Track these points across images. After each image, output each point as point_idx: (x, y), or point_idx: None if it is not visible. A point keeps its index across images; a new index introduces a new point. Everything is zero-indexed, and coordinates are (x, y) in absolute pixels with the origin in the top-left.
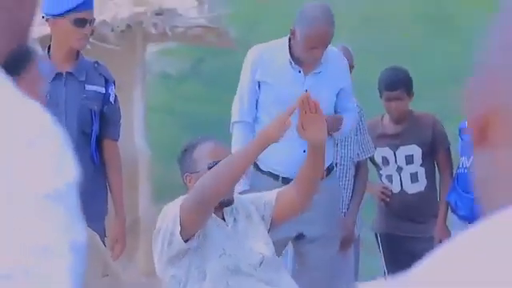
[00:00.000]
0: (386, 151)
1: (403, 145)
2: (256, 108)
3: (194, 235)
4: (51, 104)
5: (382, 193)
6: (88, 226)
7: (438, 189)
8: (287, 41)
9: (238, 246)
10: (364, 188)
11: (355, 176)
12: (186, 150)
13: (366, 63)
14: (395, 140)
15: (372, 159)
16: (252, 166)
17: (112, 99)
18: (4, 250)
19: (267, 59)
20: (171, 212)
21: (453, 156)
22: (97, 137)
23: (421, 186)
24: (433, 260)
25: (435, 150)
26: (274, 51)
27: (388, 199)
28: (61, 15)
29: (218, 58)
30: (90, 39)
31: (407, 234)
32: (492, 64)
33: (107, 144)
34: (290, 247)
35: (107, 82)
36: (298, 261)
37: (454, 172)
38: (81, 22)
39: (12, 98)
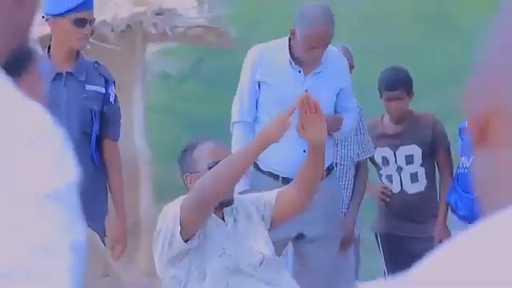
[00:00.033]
0: (386, 151)
1: (403, 145)
2: (256, 108)
3: (194, 235)
4: (51, 104)
5: (382, 193)
6: (88, 226)
7: (438, 189)
8: (287, 41)
9: (238, 246)
10: (364, 188)
11: (355, 176)
12: (185, 150)
13: (365, 63)
14: (395, 140)
15: (372, 159)
16: (252, 166)
17: (112, 99)
18: (4, 250)
19: (267, 59)
20: (171, 212)
21: (453, 156)
22: (97, 137)
23: (421, 186)
24: (432, 260)
25: (435, 150)
26: (274, 51)
27: (388, 199)
28: (61, 15)
29: (218, 58)
30: (90, 39)
31: (407, 234)
32: (492, 64)
33: (107, 144)
34: (290, 247)
35: (107, 82)
36: (298, 261)
37: (454, 172)
38: (81, 22)
39: (12, 98)
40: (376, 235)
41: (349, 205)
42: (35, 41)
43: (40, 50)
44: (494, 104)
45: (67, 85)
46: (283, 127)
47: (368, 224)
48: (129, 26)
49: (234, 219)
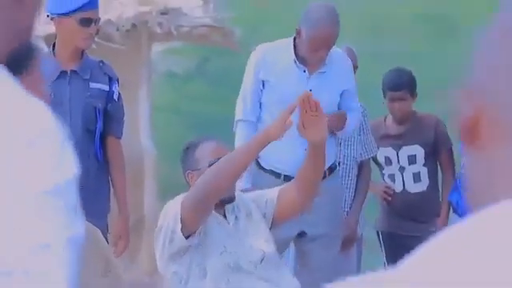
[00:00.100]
0: (389, 151)
1: (406, 145)
2: (259, 107)
3: (194, 232)
4: (56, 102)
5: (385, 192)
6: (91, 222)
7: (440, 189)
8: (292, 40)
9: (239, 244)
10: (367, 187)
11: (358, 175)
12: (188, 149)
13: (369, 64)
14: (398, 140)
15: (375, 159)
16: (254, 165)
17: (116, 97)
18: (4, 247)
19: (272, 59)
20: (172, 209)
21: (455, 156)
22: (100, 134)
23: (423, 185)
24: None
25: (438, 151)
26: (278, 51)
27: (390, 198)
28: (66, 14)
29: (224, 57)
30: (96, 38)
31: (409, 233)
32: (479, 65)
33: (111, 141)
34: (291, 247)
35: (111, 80)
36: (299, 260)
37: (456, 172)
38: (86, 22)
39: (14, 96)
40: (378, 234)
41: (351, 204)
42: (40, 39)
43: (45, 49)
44: (483, 105)
45: (71, 83)
46: (284, 125)
47: (370, 223)
48: (134, 26)
49: (236, 217)
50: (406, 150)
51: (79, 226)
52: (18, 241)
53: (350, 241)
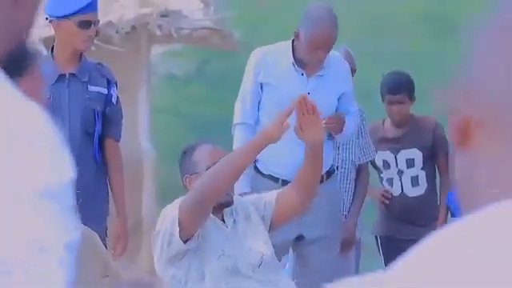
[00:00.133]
0: (387, 155)
1: (404, 148)
2: (258, 110)
3: (193, 236)
4: (54, 105)
5: (383, 196)
6: (90, 226)
7: (438, 192)
8: (290, 43)
9: (237, 247)
10: (365, 191)
11: (356, 179)
12: (185, 153)
13: (367, 66)
14: (396, 144)
15: (373, 163)
16: (252, 169)
17: (114, 100)
18: (2, 247)
19: (270, 61)
20: (170, 213)
21: None
22: (99, 137)
23: (421, 189)
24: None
25: (436, 154)
26: (277, 53)
27: (388, 202)
28: (65, 17)
29: (224, 59)
30: (95, 41)
31: (407, 237)
32: (469, 66)
33: (109, 144)
34: (290, 250)
35: (109, 83)
36: (298, 263)
37: None
38: (85, 24)
39: (10, 98)
40: (376, 238)
41: (350, 208)
42: (39, 42)
43: (44, 51)
44: (473, 106)
45: (70, 86)
46: (282, 128)
47: (369, 227)
48: (134, 28)
49: (234, 220)
50: (404, 154)
51: (75, 228)
52: (16, 242)
53: (348, 244)
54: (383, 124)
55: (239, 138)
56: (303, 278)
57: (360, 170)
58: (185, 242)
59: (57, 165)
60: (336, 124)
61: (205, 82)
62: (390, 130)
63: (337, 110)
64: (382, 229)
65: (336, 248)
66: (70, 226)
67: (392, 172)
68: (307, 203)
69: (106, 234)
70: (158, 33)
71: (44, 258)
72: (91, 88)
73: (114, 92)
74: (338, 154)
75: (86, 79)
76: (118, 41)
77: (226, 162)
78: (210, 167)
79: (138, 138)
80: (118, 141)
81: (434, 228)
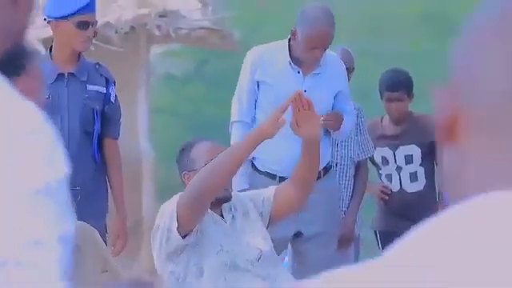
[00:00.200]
0: (386, 151)
1: (402, 145)
2: (254, 108)
3: (191, 231)
4: (54, 104)
5: (382, 192)
6: (89, 223)
7: (436, 188)
8: (287, 42)
9: (236, 242)
10: (364, 187)
11: (355, 176)
12: (183, 150)
13: (366, 65)
14: (395, 140)
15: (372, 159)
16: (250, 167)
17: (113, 99)
18: None
19: (267, 60)
20: (168, 209)
21: None
22: (98, 136)
23: (420, 185)
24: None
25: (434, 150)
26: (273, 52)
27: (387, 198)
28: (64, 18)
29: (222, 59)
30: (94, 41)
31: (406, 233)
32: (457, 65)
33: (108, 142)
34: (289, 247)
35: (108, 82)
36: (296, 259)
37: None
38: (84, 25)
39: (7, 97)
40: (375, 233)
41: (349, 204)
42: (38, 43)
43: (43, 51)
44: (459, 104)
45: (69, 85)
46: (277, 124)
47: (368, 223)
48: (133, 28)
49: (233, 216)
50: (403, 150)
51: (70, 223)
52: (11, 236)
53: (347, 240)
54: (382, 121)
55: (236, 136)
56: (300, 275)
57: (359, 167)
58: (183, 237)
59: (52, 162)
60: (334, 121)
61: (203, 81)
62: (389, 127)
63: (333, 109)
64: (381, 224)
65: (333, 244)
66: (65, 220)
67: (391, 168)
68: (304, 199)
69: (106, 231)
70: (157, 33)
71: (39, 252)
72: (90, 87)
73: (113, 91)
74: (337, 151)
75: (84, 79)
76: (117, 41)
77: (222, 158)
78: (208, 163)
79: (137, 138)
80: (116, 139)
81: None
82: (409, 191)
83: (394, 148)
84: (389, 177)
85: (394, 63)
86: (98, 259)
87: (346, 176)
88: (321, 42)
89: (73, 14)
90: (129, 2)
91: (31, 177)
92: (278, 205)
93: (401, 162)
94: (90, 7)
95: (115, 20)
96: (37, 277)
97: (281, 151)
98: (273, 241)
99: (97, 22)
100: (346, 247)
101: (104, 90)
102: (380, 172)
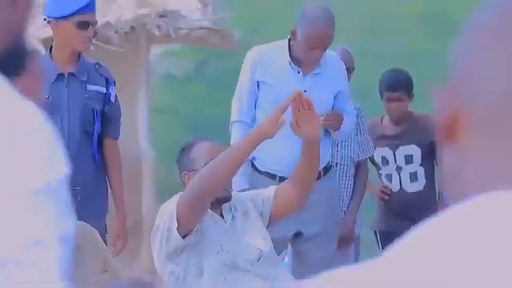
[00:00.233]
0: (386, 151)
1: (403, 145)
2: (254, 108)
3: (191, 231)
4: (54, 104)
5: (382, 192)
6: (89, 223)
7: (436, 188)
8: (287, 42)
9: (236, 242)
10: (364, 187)
11: (355, 176)
12: (183, 150)
13: (366, 65)
14: (395, 140)
15: (372, 159)
16: (250, 167)
17: (113, 99)
18: None
19: (267, 60)
20: (168, 209)
21: None
22: (98, 136)
23: (420, 185)
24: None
25: (434, 150)
26: (273, 52)
27: (387, 198)
28: (64, 18)
29: (222, 59)
30: (94, 41)
31: (406, 233)
32: (456, 65)
33: (108, 142)
34: (288, 247)
35: (108, 82)
36: (296, 259)
37: None
38: (84, 25)
39: (5, 97)
40: (375, 233)
41: (349, 204)
42: (38, 43)
43: (43, 51)
44: (459, 104)
45: (69, 85)
46: (277, 124)
47: (368, 223)
48: (133, 28)
49: (232, 216)
50: (403, 150)
51: (70, 223)
52: (11, 236)
53: (347, 240)
54: (381, 121)
55: (236, 136)
56: (300, 275)
57: (359, 167)
58: (183, 237)
59: (52, 162)
60: (334, 121)
61: (203, 82)
62: (389, 127)
63: (333, 109)
64: (381, 224)
65: (333, 244)
66: (65, 220)
67: (391, 168)
68: (304, 199)
69: (106, 231)
70: (157, 33)
71: (39, 252)
72: (90, 87)
73: (113, 91)
74: (337, 151)
75: (84, 79)
76: (117, 41)
77: (222, 158)
78: (208, 163)
79: (137, 138)
80: (116, 139)
81: None
82: (409, 191)
83: (394, 148)
84: (389, 177)
85: (394, 63)
86: (98, 259)
87: (346, 176)
88: (321, 41)
89: (73, 14)
90: (129, 2)
91: (31, 177)
92: (278, 205)
93: (401, 162)
94: (89, 7)
95: (115, 20)
96: (37, 277)
97: (281, 151)
98: (273, 241)
99: (97, 21)
100: (346, 247)
101: (104, 89)
102: (380, 172)
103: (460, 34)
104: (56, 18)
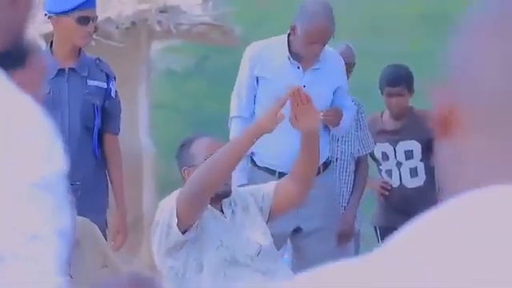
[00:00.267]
0: (386, 147)
1: (403, 140)
2: (254, 103)
3: (191, 227)
4: (54, 99)
5: (382, 187)
6: (90, 218)
7: (437, 183)
8: (286, 37)
9: (235, 237)
10: (364, 183)
11: (355, 171)
12: (183, 145)
13: (366, 63)
14: (395, 136)
15: (372, 155)
16: (249, 162)
17: (113, 94)
18: None
19: (266, 55)
20: (168, 204)
21: None
22: (98, 131)
23: (420, 180)
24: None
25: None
26: (273, 47)
27: (387, 193)
28: (64, 13)
29: (223, 55)
30: (95, 36)
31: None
32: (454, 64)
33: (108, 138)
34: (288, 242)
35: (108, 77)
36: (295, 255)
37: None
38: (84, 20)
39: (4, 92)
40: (375, 229)
41: (349, 199)
42: (40, 38)
43: (43, 47)
44: (455, 102)
45: (70, 80)
46: (276, 118)
47: (368, 219)
48: (133, 24)
49: (232, 211)
50: (403, 146)
51: (67, 217)
52: (9, 230)
53: (347, 236)
54: (382, 116)
55: (235, 131)
56: (300, 271)
57: (359, 162)
58: (183, 232)
59: (50, 156)
60: (334, 117)
61: (204, 77)
62: (389, 123)
63: (332, 104)
64: (381, 220)
65: (333, 240)
66: (63, 214)
67: (391, 164)
68: (305, 194)
69: (107, 226)
70: (158, 28)
71: (36, 245)
72: (90, 82)
73: (113, 86)
74: (337, 146)
75: (85, 74)
76: (117, 36)
77: (221, 153)
78: (207, 158)
79: (138, 133)
80: (117, 134)
81: None
82: (409, 187)
83: (394, 143)
84: (389, 172)
85: (394, 62)
86: (98, 254)
87: (346, 171)
88: (320, 36)
89: (73, 10)
90: None
91: (29, 171)
92: (278, 200)
93: (401, 157)
94: (90, 2)
95: (116, 15)
96: (34, 270)
97: (280, 146)
98: (272, 236)
99: (97, 17)
100: (346, 243)
101: (104, 85)
102: (380, 167)
103: (458, 34)
104: (56, 14)
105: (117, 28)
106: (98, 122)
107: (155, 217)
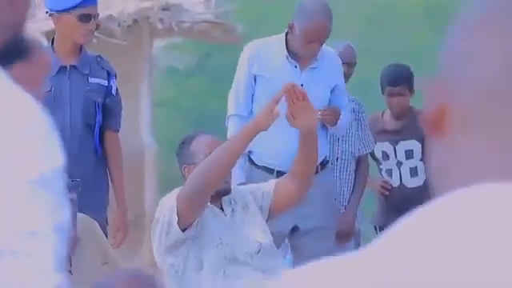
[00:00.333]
0: (386, 146)
1: (403, 140)
2: (251, 102)
3: (191, 225)
4: (56, 97)
5: (382, 187)
6: (90, 215)
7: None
8: (284, 36)
9: (235, 235)
10: (365, 182)
11: (356, 170)
12: (183, 143)
13: (366, 63)
14: (395, 135)
15: (372, 154)
16: (247, 161)
17: (114, 91)
18: None
19: (264, 54)
20: (168, 202)
21: None
22: (99, 129)
23: (420, 180)
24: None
25: None
26: (271, 46)
27: (388, 193)
28: (66, 11)
29: (225, 53)
30: (97, 34)
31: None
32: (445, 64)
33: (109, 135)
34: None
35: (109, 75)
36: (294, 254)
37: None
38: (85, 18)
39: (3, 89)
40: (376, 228)
41: (349, 199)
42: (41, 35)
43: (45, 44)
44: (446, 101)
45: (71, 78)
46: (271, 115)
47: (368, 218)
48: (135, 21)
49: (232, 209)
50: (403, 145)
51: (65, 213)
52: (7, 226)
53: (347, 235)
54: (382, 116)
55: (233, 130)
56: None
57: (360, 162)
58: (183, 230)
59: (48, 153)
60: (331, 116)
61: (206, 75)
62: (390, 122)
63: (330, 103)
64: (382, 219)
65: (331, 239)
66: (61, 210)
67: (391, 163)
68: (304, 193)
69: (107, 223)
70: (160, 26)
71: (35, 242)
72: (92, 80)
73: (114, 83)
74: (338, 146)
75: (86, 71)
76: (119, 34)
77: (220, 151)
78: (207, 156)
79: (140, 131)
80: (117, 131)
81: None
82: (409, 186)
83: (395, 143)
84: (389, 172)
85: (396, 58)
86: (99, 251)
87: (346, 171)
88: (318, 35)
89: (75, 7)
90: None
91: (27, 168)
92: (277, 198)
93: (401, 156)
94: (91, 0)
95: (118, 13)
96: (33, 266)
97: (278, 145)
98: (271, 234)
99: (99, 14)
100: (347, 242)
101: (105, 82)
102: (380, 167)
103: (457, 34)
104: (58, 11)
105: (119, 26)
106: (99, 119)
107: (155, 214)
